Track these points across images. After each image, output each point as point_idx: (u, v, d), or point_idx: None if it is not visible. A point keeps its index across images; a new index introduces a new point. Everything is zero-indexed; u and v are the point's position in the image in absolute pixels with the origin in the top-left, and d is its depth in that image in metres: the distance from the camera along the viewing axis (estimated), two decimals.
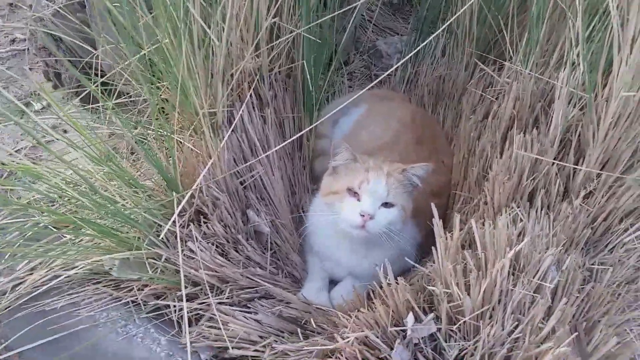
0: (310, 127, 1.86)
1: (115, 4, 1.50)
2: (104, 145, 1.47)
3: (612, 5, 1.28)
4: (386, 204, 1.41)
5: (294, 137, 1.68)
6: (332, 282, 1.65)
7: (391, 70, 1.81)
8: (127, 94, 1.77)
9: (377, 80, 1.45)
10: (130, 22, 1.51)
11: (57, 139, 1.48)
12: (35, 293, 1.43)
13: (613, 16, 1.28)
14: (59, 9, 1.91)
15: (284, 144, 1.56)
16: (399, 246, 1.48)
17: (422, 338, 1.29)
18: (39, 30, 1.98)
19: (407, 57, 2.20)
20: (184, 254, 1.44)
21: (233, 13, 1.51)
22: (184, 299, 1.32)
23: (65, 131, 1.93)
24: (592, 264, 1.38)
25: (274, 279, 1.56)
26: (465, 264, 1.27)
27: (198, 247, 1.44)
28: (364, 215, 1.37)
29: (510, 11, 1.69)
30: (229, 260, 1.50)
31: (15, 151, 2.01)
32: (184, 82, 1.48)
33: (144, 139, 1.76)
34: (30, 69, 2.32)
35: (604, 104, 1.38)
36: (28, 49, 2.16)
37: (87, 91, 1.77)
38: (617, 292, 1.35)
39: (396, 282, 1.31)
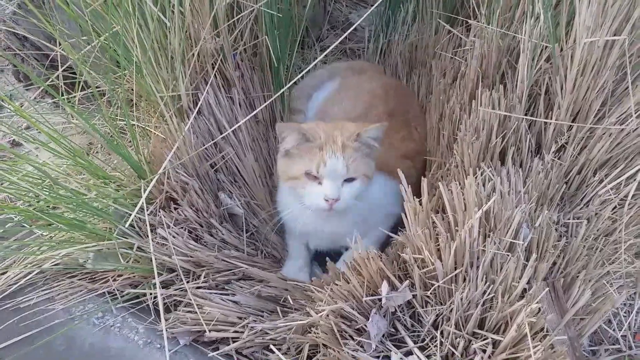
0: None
1: None
2: (67, 140, 1.44)
3: None
4: (348, 179, 1.37)
5: (256, 112, 1.63)
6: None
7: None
8: (96, 85, 1.75)
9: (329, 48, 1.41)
10: (85, 10, 1.49)
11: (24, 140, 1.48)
12: (9, 291, 1.43)
13: None
14: (20, 6, 1.88)
15: (245, 118, 1.52)
16: (371, 200, 1.47)
17: (398, 306, 1.27)
18: (0, 31, 1.95)
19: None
20: (157, 241, 1.43)
21: None
22: (158, 286, 1.32)
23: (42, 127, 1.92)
24: (568, 219, 1.35)
25: (252, 260, 1.55)
26: (436, 228, 1.25)
27: (169, 233, 1.42)
28: (328, 200, 1.34)
29: None
30: (204, 245, 1.49)
31: None
32: (139, 67, 1.45)
33: (120, 130, 1.75)
34: (0, 70, 2.30)
35: (569, 52, 1.34)
36: None
37: (51, 87, 1.75)
38: (594, 246, 1.32)
39: (368, 252, 1.29)
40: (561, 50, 1.38)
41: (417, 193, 1.32)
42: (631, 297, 1.44)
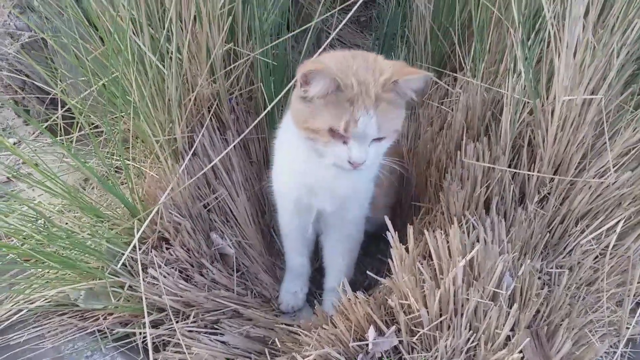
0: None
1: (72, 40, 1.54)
2: (59, 179, 1.48)
3: (548, 14, 1.32)
4: (377, 139, 1.21)
5: (237, 141, 1.63)
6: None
7: None
8: (94, 125, 1.80)
9: None
10: (86, 56, 1.54)
11: (20, 177, 1.51)
12: (0, 327, 1.43)
13: (549, 23, 1.32)
14: (22, 47, 1.94)
15: (228, 149, 1.54)
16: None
17: (385, 352, 1.29)
18: (3, 69, 2.01)
19: None
20: (147, 281, 1.45)
21: (184, 42, 1.54)
22: (147, 326, 1.34)
23: (37, 164, 1.95)
24: (551, 268, 1.39)
25: (242, 300, 1.57)
26: (422, 275, 1.29)
27: (160, 273, 1.44)
28: (353, 163, 1.20)
29: (458, 26, 1.73)
30: (194, 285, 1.51)
31: None
32: (137, 111, 1.50)
33: (115, 169, 1.78)
34: (1, 105, 2.34)
35: (550, 108, 1.41)
36: None
37: (50, 125, 1.79)
38: (577, 295, 1.36)
39: (356, 297, 1.32)
40: (542, 105, 1.44)
41: None
42: (615, 345, 1.47)
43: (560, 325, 1.30)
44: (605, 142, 1.37)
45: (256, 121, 1.44)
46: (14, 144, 2.27)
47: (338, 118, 1.15)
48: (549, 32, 1.36)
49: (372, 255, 1.90)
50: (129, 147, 1.64)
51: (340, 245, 1.59)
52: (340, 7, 1.84)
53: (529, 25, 1.46)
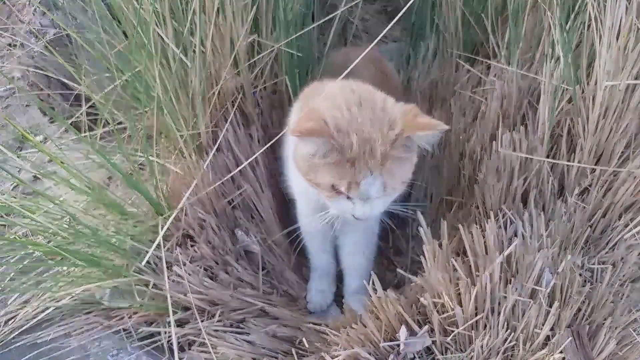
0: None
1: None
2: (85, 176, 1.46)
3: None
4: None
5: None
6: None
7: None
8: (118, 121, 1.78)
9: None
10: (109, 50, 1.53)
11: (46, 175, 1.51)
12: (27, 326, 1.43)
13: (590, 4, 1.25)
14: (46, 46, 1.94)
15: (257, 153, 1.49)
16: None
17: (417, 352, 1.24)
18: (30, 67, 2.01)
19: None
20: (172, 279, 1.43)
21: (208, 35, 1.51)
22: (173, 325, 1.31)
23: (62, 162, 1.96)
24: (592, 264, 1.31)
25: (268, 299, 1.53)
26: (456, 272, 1.23)
27: (185, 271, 1.42)
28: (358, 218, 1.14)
29: (491, 11, 1.65)
30: (219, 283, 1.48)
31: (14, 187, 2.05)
32: (160, 105, 1.47)
33: (140, 166, 1.77)
34: (27, 105, 2.35)
35: (591, 95, 1.33)
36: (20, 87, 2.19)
37: (75, 122, 1.79)
38: (620, 292, 1.28)
39: (386, 295, 1.27)
40: (582, 92, 1.37)
41: None
42: None
43: (603, 324, 1.23)
44: None
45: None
46: (40, 142, 2.29)
47: (339, 178, 1.07)
48: (589, 14, 1.28)
49: (403, 253, 1.84)
50: (153, 144, 1.62)
51: (358, 241, 1.53)
52: None
53: (567, 7, 1.38)
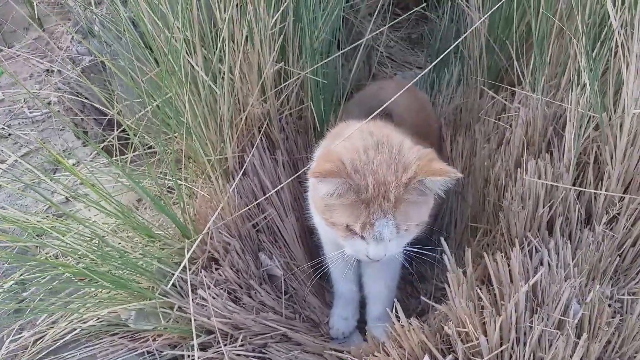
0: None
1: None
2: (114, 199, 1.50)
3: (615, 22, 1.24)
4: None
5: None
6: None
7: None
8: (148, 146, 1.83)
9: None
10: (141, 77, 1.58)
11: (77, 197, 1.55)
12: (55, 346, 1.45)
13: (617, 32, 1.24)
14: (82, 72, 2.02)
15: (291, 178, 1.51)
16: None
17: None
18: (65, 92, 2.09)
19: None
20: (196, 302, 1.44)
21: (236, 62, 1.55)
22: (196, 348, 1.32)
23: (93, 185, 2.02)
24: (622, 295, 1.28)
25: (290, 324, 1.53)
26: (481, 301, 1.21)
27: (209, 294, 1.43)
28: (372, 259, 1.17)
29: (516, 38, 1.65)
30: (242, 306, 1.49)
31: (47, 208, 2.11)
32: (189, 130, 1.51)
33: (168, 189, 1.81)
34: (62, 129, 2.44)
35: (618, 122, 1.31)
36: (57, 110, 2.27)
37: (106, 146, 1.84)
38: None
39: (409, 323, 1.26)
40: (609, 119, 1.35)
41: None
42: None
43: (635, 358, 1.20)
44: None
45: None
46: (73, 164, 2.37)
47: (354, 218, 1.11)
48: (616, 41, 1.27)
49: (426, 279, 1.83)
50: (181, 168, 1.65)
51: (381, 269, 1.52)
52: (390, 24, 1.81)
53: (593, 34, 1.38)
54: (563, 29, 1.50)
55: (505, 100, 1.71)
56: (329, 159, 1.12)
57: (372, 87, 1.94)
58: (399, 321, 1.26)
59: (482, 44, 1.86)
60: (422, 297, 1.38)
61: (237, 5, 1.54)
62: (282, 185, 1.53)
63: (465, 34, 1.75)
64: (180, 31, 1.46)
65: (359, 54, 1.87)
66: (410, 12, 2.28)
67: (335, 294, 1.67)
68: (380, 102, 1.61)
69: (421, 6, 2.26)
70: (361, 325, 1.64)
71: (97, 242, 1.48)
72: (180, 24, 1.43)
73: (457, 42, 1.42)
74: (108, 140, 1.64)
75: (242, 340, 1.44)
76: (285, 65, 1.72)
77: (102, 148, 2.14)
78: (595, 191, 1.34)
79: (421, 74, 2.22)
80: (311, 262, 1.56)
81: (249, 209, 1.59)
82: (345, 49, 1.69)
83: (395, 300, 1.29)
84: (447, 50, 1.39)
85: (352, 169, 1.10)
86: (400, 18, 2.29)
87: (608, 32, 1.34)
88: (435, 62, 1.88)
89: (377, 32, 2.04)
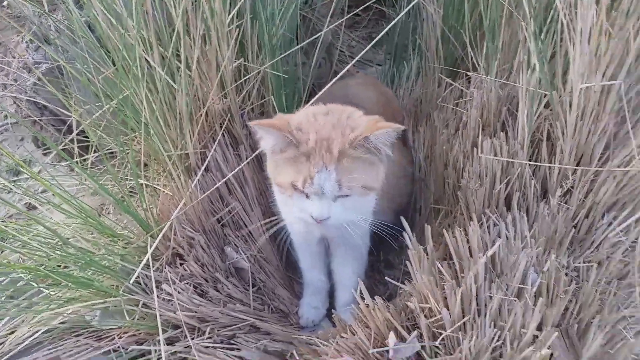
0: None
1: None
2: (78, 201, 1.48)
3: (560, 3, 1.28)
4: (343, 195, 1.17)
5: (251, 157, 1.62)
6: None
7: None
8: (109, 147, 1.82)
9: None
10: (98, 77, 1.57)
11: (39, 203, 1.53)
12: (17, 350, 1.42)
13: (562, 13, 1.29)
14: (39, 78, 1.99)
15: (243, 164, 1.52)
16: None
17: (407, 358, 1.23)
18: (23, 100, 2.06)
19: None
20: (162, 298, 1.43)
21: (193, 59, 1.55)
22: (162, 343, 1.31)
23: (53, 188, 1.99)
24: (578, 263, 1.31)
25: (259, 315, 1.53)
26: (442, 275, 1.23)
27: (174, 289, 1.42)
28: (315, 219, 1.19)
29: (469, 27, 1.70)
30: (209, 300, 1.48)
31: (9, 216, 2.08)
32: (148, 128, 1.51)
33: (131, 189, 1.79)
34: (21, 139, 2.40)
35: (568, 99, 1.36)
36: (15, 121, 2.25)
37: (68, 150, 1.82)
38: (607, 290, 1.28)
39: (374, 303, 1.27)
40: (560, 97, 1.39)
41: None
42: None
43: (591, 322, 1.22)
44: (629, 130, 1.31)
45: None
46: (38, 172, 2.33)
47: (297, 173, 1.15)
48: (562, 22, 1.32)
49: (394, 266, 1.84)
50: (144, 166, 1.64)
51: (347, 257, 1.55)
52: (345, 19, 1.85)
53: (541, 18, 1.43)
54: (513, 15, 1.54)
55: (462, 86, 1.75)
56: (277, 117, 1.20)
57: (339, 84, 1.98)
58: (364, 301, 1.27)
59: (438, 35, 1.90)
60: (387, 279, 1.39)
61: (192, 2, 1.55)
62: (236, 170, 1.52)
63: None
64: (134, 28, 1.46)
65: (316, 51, 1.89)
66: (364, 7, 2.32)
67: (304, 283, 1.68)
68: (347, 99, 1.68)
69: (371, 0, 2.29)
70: (331, 314, 1.64)
71: (58, 243, 1.45)
72: (134, 21, 1.43)
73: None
74: (65, 142, 1.62)
75: (209, 333, 1.43)
76: (244, 61, 1.73)
77: (63, 151, 2.12)
78: (549, 165, 1.37)
79: None
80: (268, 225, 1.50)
81: (212, 203, 1.59)
82: (302, 44, 1.71)
83: (359, 280, 1.30)
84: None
85: (295, 128, 1.15)
86: (353, 14, 2.32)
87: (554, 14, 1.39)
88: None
89: (332, 26, 2.07)
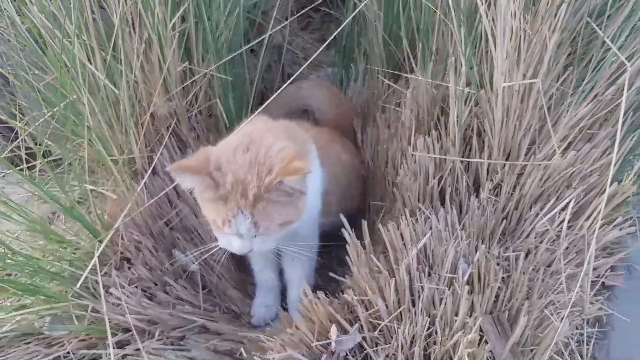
0: None
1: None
2: (24, 209, 1.49)
3: (481, 7, 1.36)
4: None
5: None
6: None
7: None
8: (56, 154, 1.82)
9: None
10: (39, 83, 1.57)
11: None
12: None
13: (484, 16, 1.36)
14: None
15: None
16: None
17: (350, 350, 1.29)
18: None
19: None
20: (111, 302, 1.45)
21: (135, 64, 1.57)
22: (111, 346, 1.33)
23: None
24: (509, 253, 1.39)
25: (209, 316, 1.56)
26: (379, 268, 1.29)
27: (123, 293, 1.44)
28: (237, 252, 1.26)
29: (407, 32, 1.78)
30: (158, 302, 1.50)
31: None
32: (91, 134, 1.52)
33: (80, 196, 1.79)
34: None
35: (494, 97, 1.44)
36: None
37: (16, 159, 1.81)
38: (535, 277, 1.36)
39: (317, 297, 1.32)
40: (487, 96, 1.47)
41: None
42: (581, 327, 1.47)
43: (521, 308, 1.30)
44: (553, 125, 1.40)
45: None
46: None
47: (217, 214, 1.17)
48: (484, 24, 1.40)
49: (345, 263, 1.90)
50: (91, 172, 1.65)
51: (296, 258, 1.58)
52: (291, 19, 1.90)
53: (469, 22, 1.50)
54: (444, 20, 1.62)
55: (402, 88, 1.81)
56: (198, 155, 1.21)
57: (292, 87, 2.03)
58: (307, 297, 1.32)
59: (380, 40, 1.97)
60: (330, 274, 1.44)
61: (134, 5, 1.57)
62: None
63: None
64: (73, 32, 1.47)
65: (262, 53, 1.93)
66: (312, 9, 2.37)
67: (256, 283, 1.72)
68: (300, 101, 1.77)
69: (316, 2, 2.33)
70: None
71: (3, 250, 1.46)
72: (73, 25, 1.44)
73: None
74: (10, 149, 1.61)
75: (159, 335, 1.45)
76: (189, 64, 1.76)
77: (11, 162, 2.10)
78: (478, 160, 1.45)
79: None
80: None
81: (160, 207, 1.62)
82: (247, 47, 1.75)
83: (303, 279, 1.35)
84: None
85: (214, 167, 1.17)
86: (300, 15, 2.35)
87: (480, 18, 1.47)
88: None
89: (278, 27, 2.11)
